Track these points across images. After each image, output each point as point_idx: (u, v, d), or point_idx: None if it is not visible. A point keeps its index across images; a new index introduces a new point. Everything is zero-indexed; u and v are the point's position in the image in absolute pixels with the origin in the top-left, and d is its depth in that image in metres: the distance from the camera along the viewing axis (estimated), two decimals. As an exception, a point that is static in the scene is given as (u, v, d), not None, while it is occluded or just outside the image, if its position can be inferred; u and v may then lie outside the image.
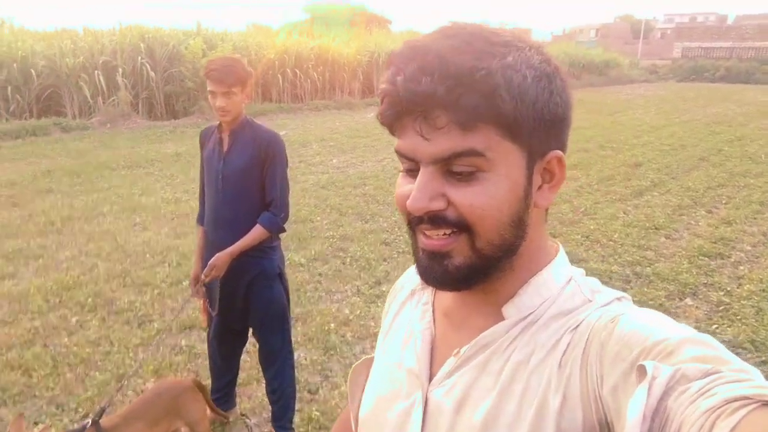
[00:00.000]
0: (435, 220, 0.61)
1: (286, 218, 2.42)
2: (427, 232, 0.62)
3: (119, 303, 3.91)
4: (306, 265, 4.64)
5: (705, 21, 55.79)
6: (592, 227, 5.64)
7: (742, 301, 4.03)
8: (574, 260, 4.82)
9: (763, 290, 4.20)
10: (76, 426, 2.12)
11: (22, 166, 7.93)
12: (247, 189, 2.39)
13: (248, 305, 2.51)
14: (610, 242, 5.25)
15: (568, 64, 24.03)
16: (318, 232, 5.47)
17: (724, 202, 6.69)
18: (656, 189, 7.20)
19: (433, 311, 0.76)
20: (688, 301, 4.09)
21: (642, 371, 0.45)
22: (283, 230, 2.46)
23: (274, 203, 2.38)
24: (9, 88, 10.99)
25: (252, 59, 14.22)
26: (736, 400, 0.40)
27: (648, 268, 4.64)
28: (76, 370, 3.10)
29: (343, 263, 4.73)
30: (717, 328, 3.69)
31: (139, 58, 12.33)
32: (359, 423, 0.80)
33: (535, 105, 0.59)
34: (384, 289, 4.20)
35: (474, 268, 0.62)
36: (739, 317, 3.79)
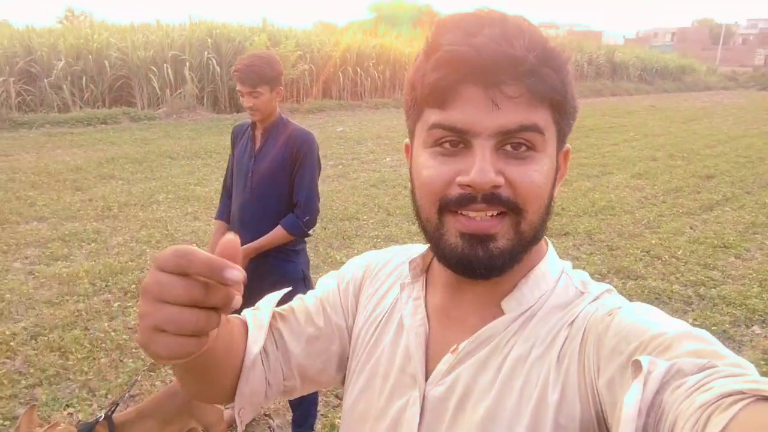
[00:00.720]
0: (492, 198, 0.58)
1: (310, 222, 2.33)
2: (474, 214, 0.59)
3: (161, 291, 3.96)
4: (348, 265, 4.56)
5: (795, 26, 52.20)
6: (653, 242, 5.28)
7: (819, 334, 3.64)
8: (632, 277, 4.56)
9: None
10: (90, 419, 2.12)
11: (89, 153, 8.29)
12: (276, 189, 2.34)
13: None
14: (673, 259, 4.89)
15: (640, 69, 23.06)
16: (363, 231, 5.40)
17: (805, 221, 6.14)
18: (728, 204, 6.70)
19: (425, 306, 0.72)
20: (756, 329, 3.73)
21: (637, 366, 0.45)
22: (307, 234, 2.37)
23: (299, 206, 2.31)
24: (84, 78, 11.56)
25: (314, 56, 14.40)
26: (731, 394, 0.39)
27: (713, 289, 4.28)
28: (111, 356, 3.14)
29: (386, 265, 4.62)
30: (789, 362, 3.34)
31: (206, 53, 12.72)
32: (346, 419, 0.77)
33: (573, 96, 0.61)
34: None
35: (514, 252, 0.61)
36: (814, 351, 3.42)
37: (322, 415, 2.71)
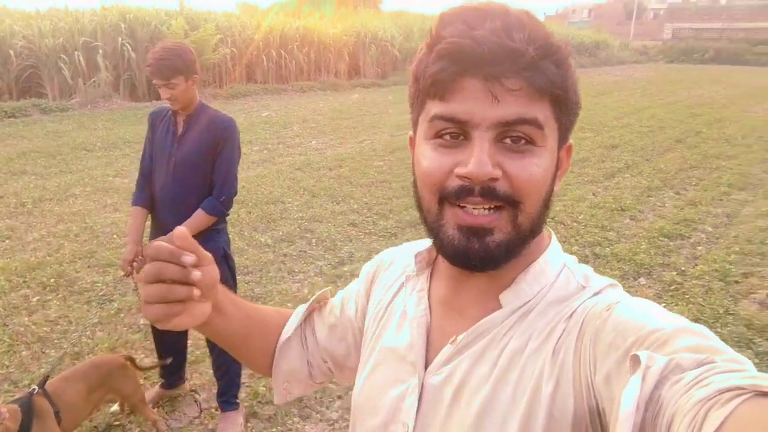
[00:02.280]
0: (488, 192, 0.59)
1: (227, 202, 2.45)
2: (471, 207, 0.60)
3: (81, 283, 3.97)
4: (272, 246, 4.70)
5: (698, 1, 55.50)
6: (558, 209, 5.71)
7: (693, 281, 4.13)
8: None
9: (716, 270, 4.29)
10: (23, 394, 2.19)
11: (-2, 148, 7.92)
12: (198, 173, 2.43)
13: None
14: (574, 223, 5.34)
15: (558, 45, 23.90)
16: (288, 213, 5.52)
17: (693, 183, 6.78)
18: (628, 171, 7.28)
19: (429, 297, 0.75)
20: (642, 280, 4.18)
21: (636, 360, 0.45)
22: (225, 213, 2.49)
23: (216, 186, 2.42)
24: (-13, 69, 10.89)
25: (236, 39, 14.14)
26: (729, 390, 0.39)
27: (607, 248, 4.73)
28: (32, 348, 3.16)
29: (309, 244, 4.79)
30: (665, 306, 3.75)
31: (120, 38, 12.23)
32: (353, 406, 0.81)
33: (575, 91, 0.62)
34: (346, 269, 4.27)
35: (511, 245, 0.61)
36: (687, 296, 3.89)
37: (246, 385, 2.87)
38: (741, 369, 0.43)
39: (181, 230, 0.66)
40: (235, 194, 2.50)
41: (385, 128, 9.97)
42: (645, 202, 6.06)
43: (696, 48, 28.45)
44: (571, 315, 0.61)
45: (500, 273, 0.65)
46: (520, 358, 0.62)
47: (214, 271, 0.72)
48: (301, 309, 0.93)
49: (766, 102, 13.73)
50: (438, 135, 0.61)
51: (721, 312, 3.67)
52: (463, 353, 0.67)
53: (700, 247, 4.84)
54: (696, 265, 4.45)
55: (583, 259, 4.47)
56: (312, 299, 0.92)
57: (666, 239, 5.00)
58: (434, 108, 0.60)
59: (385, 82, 16.90)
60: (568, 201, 5.96)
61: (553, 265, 0.67)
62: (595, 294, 0.63)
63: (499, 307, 0.66)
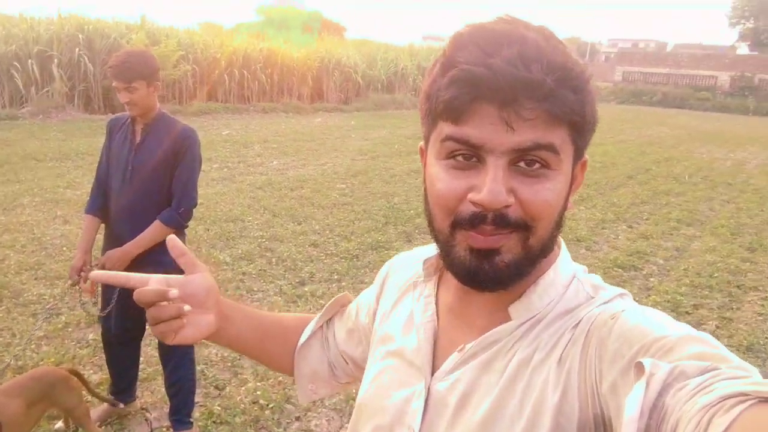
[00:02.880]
0: (500, 219, 0.58)
1: (186, 213, 2.38)
2: (484, 234, 0.59)
3: (27, 295, 3.76)
4: (231, 264, 4.58)
5: (646, 47, 58.63)
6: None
7: (646, 309, 4.24)
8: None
9: (668, 301, 4.44)
10: None
11: (-60, 154, 7.52)
12: (156, 182, 2.36)
13: None
14: (533, 251, 5.43)
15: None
16: (247, 232, 5.42)
17: (644, 218, 7.03)
18: (583, 203, 7.50)
19: (436, 304, 0.75)
20: (598, 307, 4.27)
21: (640, 368, 0.45)
22: (184, 225, 2.42)
23: (176, 197, 2.36)
24: (-68, 72, 10.40)
25: (198, 57, 14.01)
26: (733, 396, 0.39)
27: (565, 276, 4.82)
28: (-28, 361, 2.96)
29: (269, 263, 4.70)
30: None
31: (77, 49, 11.92)
32: (358, 407, 0.81)
33: (593, 113, 0.61)
34: (306, 289, 4.21)
35: (520, 266, 0.61)
36: (642, 324, 3.99)
37: (200, 404, 2.75)
38: (746, 375, 0.43)
39: (171, 237, 0.76)
40: (195, 205, 2.44)
41: (348, 152, 9.99)
42: (599, 234, 6.24)
43: (645, 91, 29.86)
44: (577, 324, 0.61)
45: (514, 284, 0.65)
46: (527, 368, 0.62)
47: (206, 280, 0.78)
48: (321, 313, 0.97)
49: (709, 144, 14.50)
50: (450, 155, 0.60)
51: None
52: (470, 362, 0.67)
53: (652, 279, 5.00)
54: (649, 296, 4.58)
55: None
56: (330, 302, 0.96)
57: (620, 270, 5.15)
58: (447, 129, 0.59)
59: (348, 108, 17.00)
60: (526, 229, 6.06)
61: (563, 276, 0.67)
62: (604, 303, 0.63)
63: (508, 318, 0.66)
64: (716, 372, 0.43)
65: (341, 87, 17.76)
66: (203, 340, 0.82)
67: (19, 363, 2.98)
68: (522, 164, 0.58)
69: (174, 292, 0.71)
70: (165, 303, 0.71)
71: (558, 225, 0.63)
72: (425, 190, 0.67)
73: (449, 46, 0.59)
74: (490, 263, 0.60)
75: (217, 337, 0.81)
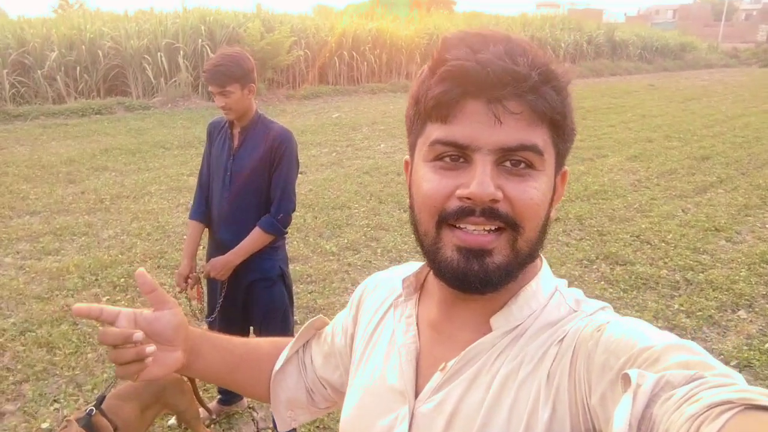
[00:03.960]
0: (490, 212, 0.59)
1: (285, 220, 2.34)
2: (472, 227, 0.60)
3: (150, 285, 3.99)
4: (337, 254, 4.58)
5: (799, 1, 51.43)
6: (644, 226, 5.28)
7: (804, 317, 3.65)
8: (619, 262, 4.56)
9: (832, 305, 3.79)
10: (81, 414, 2.16)
11: (84, 144, 8.29)
12: (254, 187, 2.35)
13: (248, 307, 2.46)
14: (662, 243, 4.89)
15: (641, 48, 22.82)
16: (353, 220, 5.40)
17: (799, 202, 6.12)
18: (722, 186, 6.68)
19: (417, 323, 0.74)
20: (742, 313, 3.74)
21: (627, 379, 0.46)
22: (283, 232, 2.38)
23: (274, 203, 2.32)
24: (78, 69, 11.49)
25: (310, 42, 14.30)
26: (719, 404, 0.40)
27: (701, 274, 4.28)
28: (98, 351, 3.17)
29: (374, 254, 4.64)
30: (772, 346, 3.35)
31: (200, 40, 12.62)
32: None
33: (572, 117, 0.63)
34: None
35: (510, 268, 0.61)
36: (798, 335, 3.44)
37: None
38: (731, 383, 0.43)
39: (139, 272, 0.75)
40: (293, 210, 2.40)
41: (456, 133, 9.71)
42: (743, 222, 5.51)
43: (796, 51, 26.32)
44: (563, 338, 0.61)
45: (493, 296, 0.64)
46: (513, 384, 0.61)
47: (174, 317, 0.76)
48: (295, 338, 0.95)
49: None
50: (438, 158, 0.61)
51: (839, 356, 3.20)
52: (454, 380, 0.66)
53: (810, 277, 4.31)
54: (806, 298, 3.95)
55: (674, 285, 4.08)
56: (304, 326, 0.93)
57: (769, 266, 4.49)
58: (435, 132, 0.60)
59: (457, 85, 16.59)
60: (654, 218, 5.50)
61: (545, 288, 0.67)
62: (588, 316, 0.63)
63: (490, 330, 0.65)
64: (702, 380, 0.44)
65: (450, 63, 17.33)
66: None
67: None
68: (508, 164, 0.59)
69: (138, 336, 0.70)
70: (129, 345, 0.70)
71: (544, 229, 0.64)
72: (410, 198, 0.67)
73: (438, 50, 0.61)
74: (480, 264, 0.60)
75: (185, 370, 0.81)
